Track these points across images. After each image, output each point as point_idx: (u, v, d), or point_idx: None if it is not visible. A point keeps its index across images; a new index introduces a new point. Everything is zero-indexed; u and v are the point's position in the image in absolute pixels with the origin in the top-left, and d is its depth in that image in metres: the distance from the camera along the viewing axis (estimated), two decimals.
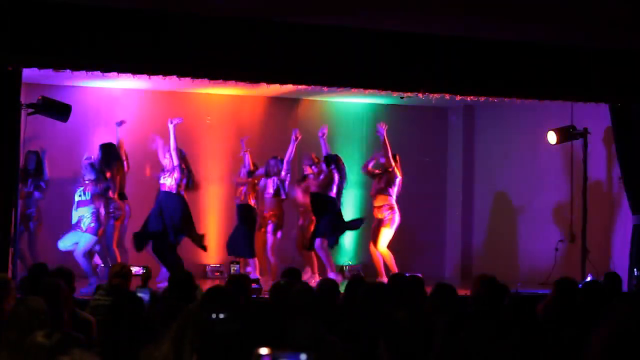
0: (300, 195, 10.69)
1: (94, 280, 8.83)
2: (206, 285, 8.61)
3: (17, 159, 8.04)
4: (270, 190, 10.23)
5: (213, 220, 11.26)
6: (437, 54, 8.85)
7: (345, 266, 12.10)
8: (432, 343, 3.29)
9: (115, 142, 10.30)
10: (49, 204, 10.40)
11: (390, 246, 10.75)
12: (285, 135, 12.19)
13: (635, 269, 9.78)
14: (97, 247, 9.65)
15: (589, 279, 9.56)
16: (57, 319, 4.60)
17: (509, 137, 12.21)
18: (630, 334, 1.55)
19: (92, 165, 9.64)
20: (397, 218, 10.41)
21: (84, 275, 9.20)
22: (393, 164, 10.53)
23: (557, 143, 10.58)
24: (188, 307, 3.94)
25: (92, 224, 9.36)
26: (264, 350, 2.43)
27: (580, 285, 6.71)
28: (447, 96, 9.37)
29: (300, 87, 8.96)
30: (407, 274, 7.07)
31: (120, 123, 10.49)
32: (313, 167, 10.52)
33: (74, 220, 9.44)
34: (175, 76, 8.22)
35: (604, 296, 5.90)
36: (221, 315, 3.35)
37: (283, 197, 10.28)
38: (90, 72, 8.01)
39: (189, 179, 9.89)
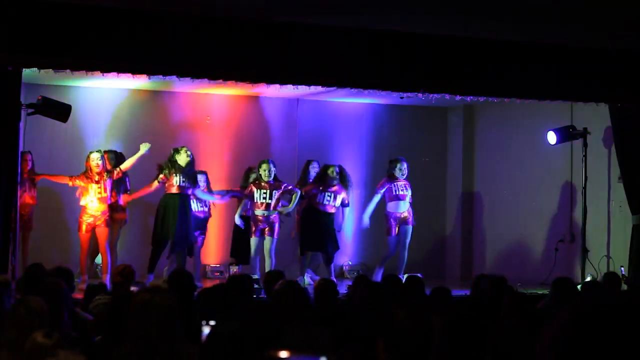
0: None
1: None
2: (206, 285, 8.64)
3: (17, 159, 8.03)
4: None
5: (213, 221, 11.25)
6: (437, 54, 8.84)
7: (345, 266, 12.10)
8: (431, 343, 3.28)
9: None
10: (47, 204, 10.40)
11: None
12: (285, 135, 12.21)
13: (621, 268, 9.78)
14: None
15: (588, 279, 9.57)
16: (57, 319, 4.60)
17: (509, 137, 12.21)
18: (579, 327, 1.55)
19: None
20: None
21: None
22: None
23: (557, 143, 10.58)
24: None
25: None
26: (283, 354, 2.40)
27: (579, 286, 6.74)
28: (447, 96, 9.37)
29: (300, 87, 8.95)
30: (401, 275, 7.13)
31: None
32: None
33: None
34: (175, 76, 8.22)
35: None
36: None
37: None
38: (90, 72, 8.01)
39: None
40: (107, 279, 9.21)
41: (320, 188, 10.44)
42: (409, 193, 10.65)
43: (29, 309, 4.10)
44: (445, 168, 13.12)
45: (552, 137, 10.55)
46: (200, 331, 3.61)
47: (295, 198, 10.24)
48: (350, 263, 12.18)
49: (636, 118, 9.76)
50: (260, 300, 7.73)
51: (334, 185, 10.45)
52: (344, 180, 10.59)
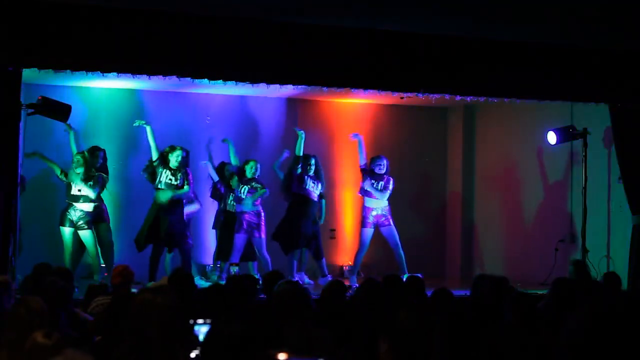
0: None
1: None
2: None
3: (17, 159, 8.03)
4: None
5: (212, 219, 11.24)
6: (437, 54, 8.84)
7: (345, 266, 12.10)
8: (433, 343, 3.29)
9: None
10: (44, 204, 10.39)
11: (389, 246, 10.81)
12: (285, 135, 12.20)
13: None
14: None
15: None
16: (56, 319, 4.60)
17: (509, 137, 12.21)
18: (598, 326, 1.55)
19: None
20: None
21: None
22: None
23: (557, 143, 10.58)
24: None
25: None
26: (283, 354, 2.40)
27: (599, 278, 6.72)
28: (447, 96, 9.37)
29: (300, 87, 8.94)
30: (401, 276, 7.11)
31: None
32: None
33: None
34: (175, 76, 8.22)
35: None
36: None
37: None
38: (90, 72, 8.00)
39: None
40: (99, 278, 9.29)
41: (303, 171, 10.42)
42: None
43: (29, 309, 4.10)
44: (446, 168, 13.12)
45: (552, 137, 10.56)
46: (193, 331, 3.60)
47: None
48: (350, 264, 12.16)
49: (636, 118, 9.76)
50: (260, 300, 7.73)
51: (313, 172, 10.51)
52: (318, 172, 10.58)
